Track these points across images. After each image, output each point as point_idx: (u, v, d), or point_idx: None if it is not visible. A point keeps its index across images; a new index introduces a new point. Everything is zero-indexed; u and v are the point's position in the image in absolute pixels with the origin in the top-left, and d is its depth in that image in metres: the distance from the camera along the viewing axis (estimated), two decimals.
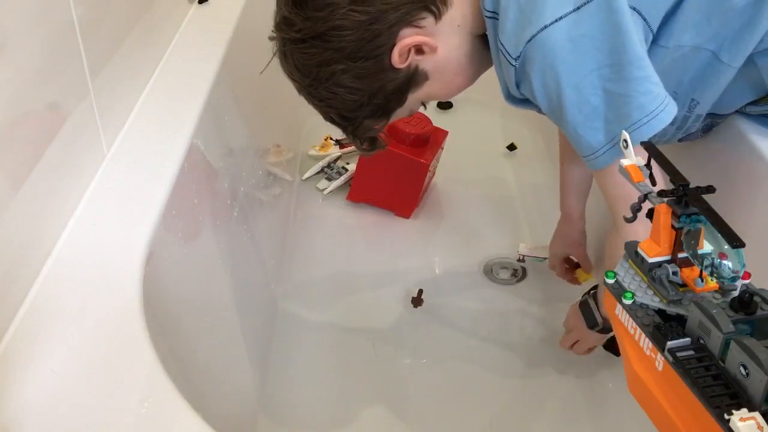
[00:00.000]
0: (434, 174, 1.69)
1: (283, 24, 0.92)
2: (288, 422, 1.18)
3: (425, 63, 0.92)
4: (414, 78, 0.93)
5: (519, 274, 1.47)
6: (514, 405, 1.22)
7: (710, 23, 0.89)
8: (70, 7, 0.91)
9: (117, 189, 0.97)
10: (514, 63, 0.86)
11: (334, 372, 1.27)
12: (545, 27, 0.82)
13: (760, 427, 0.43)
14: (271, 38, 0.95)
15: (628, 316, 0.55)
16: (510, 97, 0.97)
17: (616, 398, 1.20)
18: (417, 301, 1.37)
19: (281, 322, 1.35)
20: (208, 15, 1.46)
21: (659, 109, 0.82)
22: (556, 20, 0.82)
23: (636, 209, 0.58)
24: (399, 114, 0.99)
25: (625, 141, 0.61)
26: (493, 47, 0.91)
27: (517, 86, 0.90)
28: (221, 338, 1.10)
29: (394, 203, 1.62)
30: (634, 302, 0.55)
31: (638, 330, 0.54)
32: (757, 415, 0.44)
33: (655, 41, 0.89)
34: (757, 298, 0.51)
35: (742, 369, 0.46)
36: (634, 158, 0.60)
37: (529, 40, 0.83)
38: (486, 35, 0.92)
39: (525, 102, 0.96)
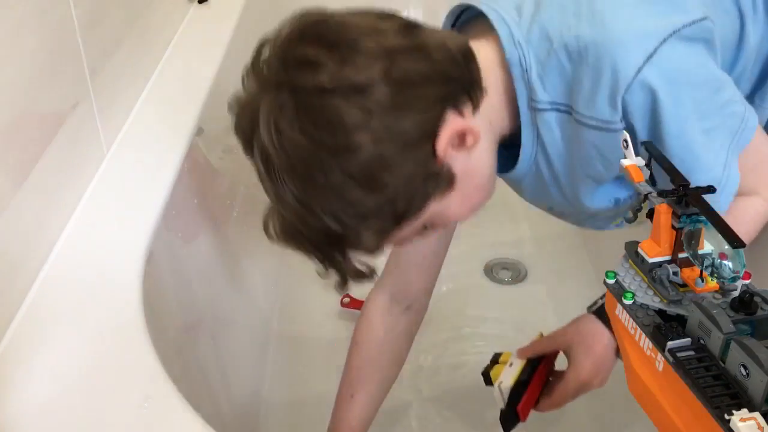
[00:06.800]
0: None
1: (297, 67, 0.67)
2: (289, 421, 1.18)
3: (458, 163, 0.72)
4: (444, 180, 0.72)
5: (520, 274, 1.47)
6: None
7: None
8: (70, 7, 0.91)
9: (117, 189, 0.97)
10: (620, 125, 0.74)
11: (334, 371, 1.27)
12: (639, 70, 0.71)
13: (760, 428, 0.43)
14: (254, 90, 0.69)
15: (628, 316, 0.55)
16: (597, 194, 0.83)
17: (616, 397, 1.20)
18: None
19: (280, 321, 1.35)
20: (208, 15, 1.46)
21: (742, 127, 0.78)
22: (649, 57, 0.71)
23: (636, 209, 0.58)
24: (400, 236, 0.74)
25: (625, 141, 0.61)
26: (555, 141, 0.79)
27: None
28: (221, 338, 1.10)
29: None
30: (634, 302, 0.55)
31: (638, 330, 0.54)
32: (757, 415, 0.44)
33: None
34: (757, 299, 0.51)
35: (742, 369, 0.46)
36: (634, 158, 0.60)
37: (627, 89, 0.72)
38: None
39: (616, 194, 0.83)
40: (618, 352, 0.86)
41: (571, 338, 0.88)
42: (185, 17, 1.42)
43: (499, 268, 1.48)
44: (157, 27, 1.27)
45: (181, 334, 0.93)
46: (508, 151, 0.82)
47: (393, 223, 0.71)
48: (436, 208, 0.73)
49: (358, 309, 1.35)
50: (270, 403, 1.20)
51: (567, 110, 0.77)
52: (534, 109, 0.78)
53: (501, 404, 0.93)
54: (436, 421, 1.19)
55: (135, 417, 0.68)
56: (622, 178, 0.80)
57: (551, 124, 0.78)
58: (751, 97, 0.89)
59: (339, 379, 1.26)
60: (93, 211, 0.93)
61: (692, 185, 0.76)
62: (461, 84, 0.72)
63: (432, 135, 0.69)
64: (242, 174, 1.42)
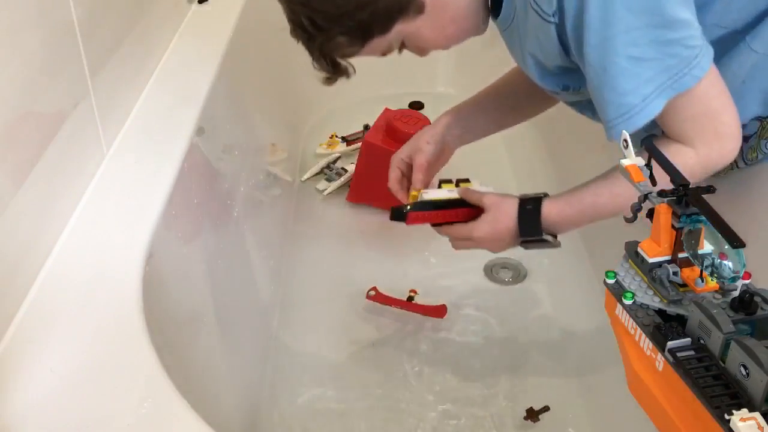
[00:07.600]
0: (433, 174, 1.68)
1: None
2: (288, 422, 1.18)
3: None
4: (410, 4, 0.87)
5: (520, 274, 1.47)
6: (514, 403, 1.22)
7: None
8: (70, 7, 0.91)
9: (117, 189, 0.97)
10: (552, 19, 0.81)
11: (334, 371, 1.27)
12: None
13: (760, 427, 0.43)
14: None
15: (628, 316, 0.55)
16: (545, 77, 0.91)
17: (616, 398, 1.20)
18: (533, 416, 1.20)
19: (281, 322, 1.35)
20: (208, 15, 1.46)
21: (683, 72, 0.79)
22: None
23: (636, 209, 0.58)
24: (374, 47, 0.90)
25: (625, 141, 0.61)
26: (519, 10, 0.87)
27: (565, 51, 0.85)
28: (221, 338, 1.10)
29: (394, 203, 1.61)
30: (634, 302, 0.55)
31: (638, 330, 0.54)
32: (757, 415, 0.44)
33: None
34: (757, 298, 0.51)
35: (742, 369, 0.46)
36: (634, 158, 0.60)
37: None
38: None
39: (565, 81, 0.90)
40: (516, 242, 1.00)
41: (490, 204, 1.00)
42: (185, 17, 1.42)
43: (499, 268, 1.48)
44: (157, 27, 1.27)
45: (181, 334, 0.93)
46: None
47: (360, 34, 0.87)
48: (405, 30, 0.89)
49: (382, 303, 1.34)
50: (270, 403, 1.20)
51: None
52: None
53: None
54: (436, 415, 1.19)
55: (135, 417, 0.69)
56: (569, 69, 0.88)
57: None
58: (742, 34, 0.88)
59: (337, 379, 1.26)
60: (93, 211, 0.93)
61: (599, 102, 0.82)
62: None
63: None
64: (242, 174, 1.42)
